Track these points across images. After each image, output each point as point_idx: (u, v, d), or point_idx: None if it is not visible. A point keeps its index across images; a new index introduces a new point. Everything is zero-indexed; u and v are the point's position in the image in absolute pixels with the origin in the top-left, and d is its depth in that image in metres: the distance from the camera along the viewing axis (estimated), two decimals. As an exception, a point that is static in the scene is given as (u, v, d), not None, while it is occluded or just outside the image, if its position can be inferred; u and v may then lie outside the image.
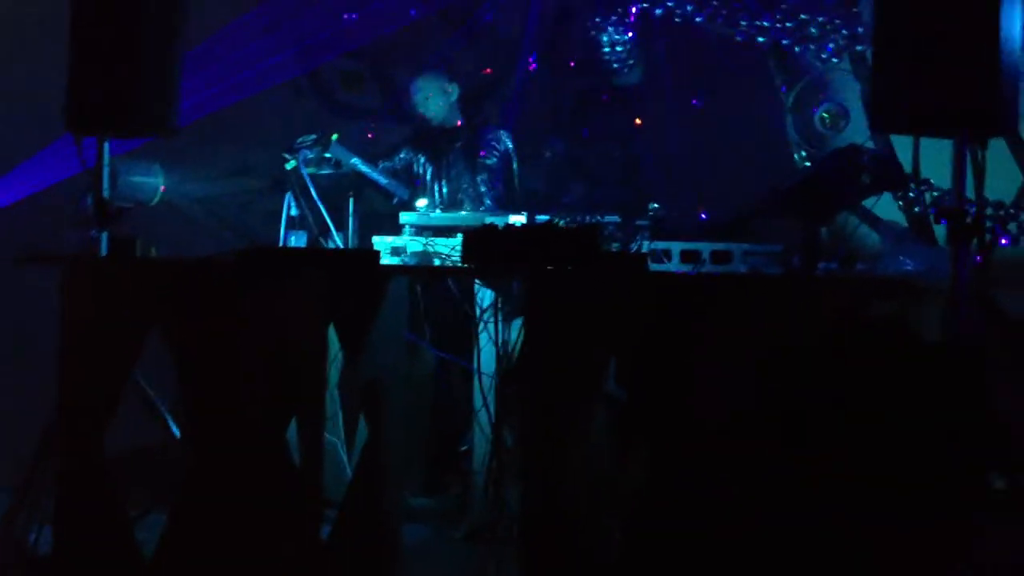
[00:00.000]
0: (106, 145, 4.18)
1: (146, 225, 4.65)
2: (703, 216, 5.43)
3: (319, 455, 3.81)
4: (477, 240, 3.77)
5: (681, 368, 3.49)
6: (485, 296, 4.51)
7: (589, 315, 3.58)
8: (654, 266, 4.38)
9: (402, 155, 5.66)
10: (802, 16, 5.60)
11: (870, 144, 5.10)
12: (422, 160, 5.64)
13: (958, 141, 3.56)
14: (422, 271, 4.40)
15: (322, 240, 5.04)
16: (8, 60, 6.07)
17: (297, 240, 5.11)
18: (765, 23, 5.67)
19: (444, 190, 5.59)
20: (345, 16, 6.15)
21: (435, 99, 5.60)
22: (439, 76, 5.68)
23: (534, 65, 6.39)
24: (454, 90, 5.63)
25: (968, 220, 3.56)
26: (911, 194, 5.35)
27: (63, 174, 5.39)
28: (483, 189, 5.54)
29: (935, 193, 5.37)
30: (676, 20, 5.81)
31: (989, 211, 5.30)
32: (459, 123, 5.65)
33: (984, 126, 3.52)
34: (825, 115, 5.67)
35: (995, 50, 3.39)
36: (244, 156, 6.26)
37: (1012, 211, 5.23)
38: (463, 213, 5.14)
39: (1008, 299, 5.28)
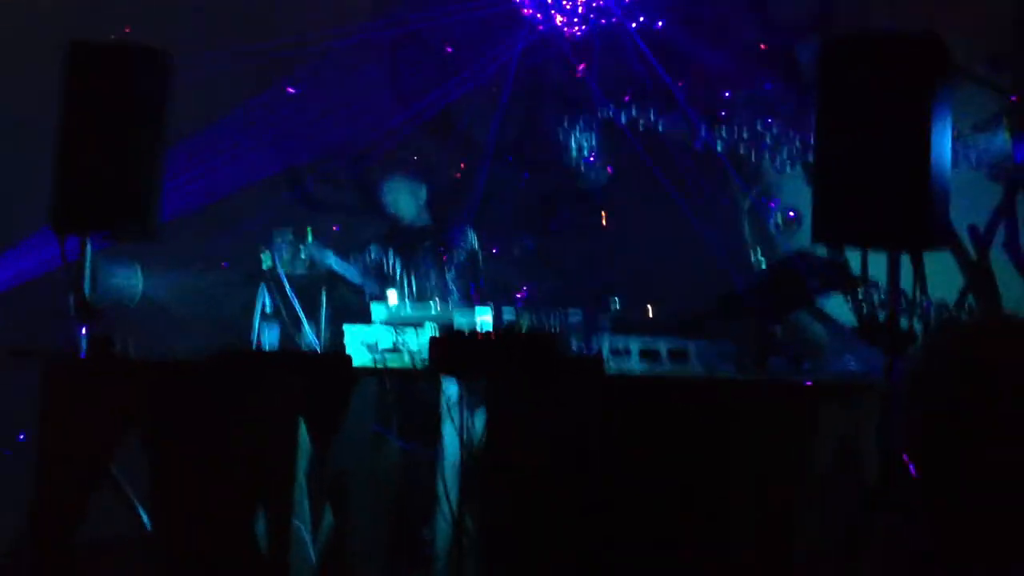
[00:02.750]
0: (88, 244, 4.23)
1: (122, 315, 4.77)
2: (661, 314, 5.64)
3: (286, 543, 3.92)
4: (443, 346, 3.96)
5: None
6: (451, 388, 4.67)
7: (548, 415, 3.76)
8: (615, 360, 4.57)
9: (372, 253, 5.88)
10: (758, 126, 5.91)
11: (821, 249, 5.35)
12: (391, 257, 5.85)
13: (891, 256, 3.79)
14: (393, 375, 4.55)
15: (294, 332, 5.20)
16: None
17: (270, 332, 5.27)
18: (723, 131, 5.98)
19: (414, 285, 5.79)
20: (323, 122, 6.41)
21: (405, 199, 5.84)
22: (408, 178, 5.93)
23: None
24: (422, 191, 5.88)
25: (903, 329, 3.76)
26: (860, 295, 5.58)
27: (45, 268, 5.53)
28: (451, 286, 5.75)
29: (883, 296, 5.60)
30: (640, 127, 6.12)
31: (933, 311, 5.55)
32: (428, 222, 5.89)
33: (916, 242, 3.75)
34: (779, 218, 5.94)
35: (926, 169, 3.64)
36: (220, 250, 6.44)
37: (954, 312, 5.46)
38: (431, 306, 5.32)
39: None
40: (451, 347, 3.93)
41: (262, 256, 5.17)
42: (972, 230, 5.34)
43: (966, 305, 5.43)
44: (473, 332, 4.08)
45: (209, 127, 6.14)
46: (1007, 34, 5.27)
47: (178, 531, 3.90)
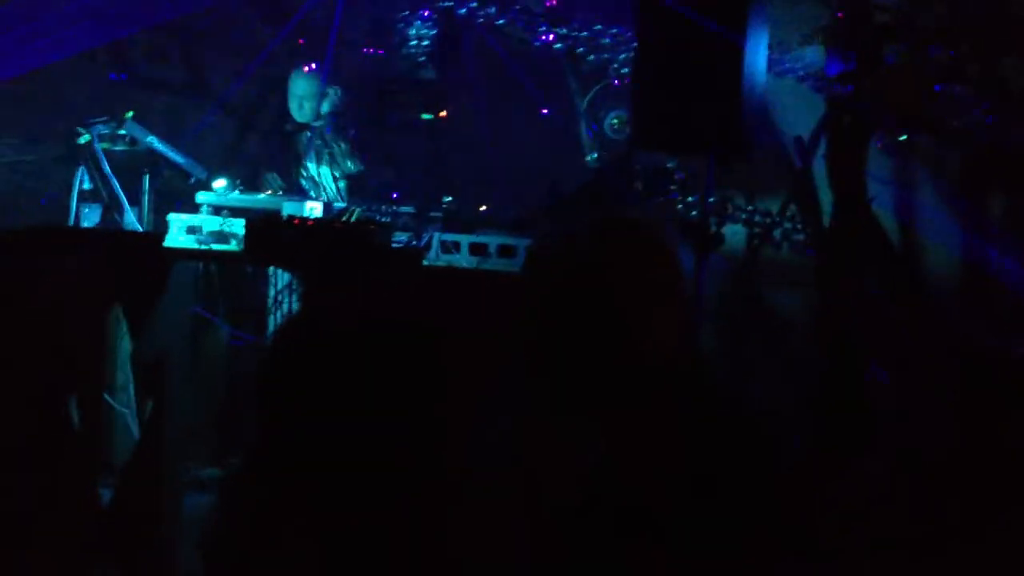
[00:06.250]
0: None
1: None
2: (492, 211, 5.70)
3: (98, 422, 3.86)
4: (258, 233, 3.90)
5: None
6: (280, 275, 4.63)
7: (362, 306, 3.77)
8: (444, 255, 4.61)
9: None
10: (596, 27, 5.94)
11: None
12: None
13: (706, 163, 3.94)
14: (203, 256, 4.46)
15: (115, 215, 5.03)
16: None
17: (91, 213, 5.09)
18: (563, 30, 5.98)
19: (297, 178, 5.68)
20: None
21: (311, 101, 5.67)
22: (319, 77, 5.74)
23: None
24: (335, 93, 5.71)
25: (711, 231, 3.92)
26: (690, 199, 5.75)
27: None
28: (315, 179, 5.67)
29: (711, 200, 5.80)
30: (479, 20, 6.06)
31: (757, 218, 5.78)
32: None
33: (727, 149, 3.90)
34: (615, 121, 6.01)
35: (739, 80, 3.77)
36: (42, 124, 6.14)
37: (777, 219, 5.69)
38: (260, 196, 5.23)
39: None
40: (266, 234, 3.88)
41: (81, 139, 4.95)
42: (797, 141, 5.53)
43: (788, 213, 5.66)
44: (290, 219, 4.03)
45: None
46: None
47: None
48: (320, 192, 5.74)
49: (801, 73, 5.61)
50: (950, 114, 4.99)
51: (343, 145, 5.82)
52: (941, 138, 5.19)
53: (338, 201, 5.44)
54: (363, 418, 1.75)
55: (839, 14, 5.15)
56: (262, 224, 3.93)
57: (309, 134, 5.74)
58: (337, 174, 5.76)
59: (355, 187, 5.93)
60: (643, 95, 3.91)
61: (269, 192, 5.38)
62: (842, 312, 4.74)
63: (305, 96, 5.72)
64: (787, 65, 5.47)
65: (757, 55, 3.83)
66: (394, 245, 4.31)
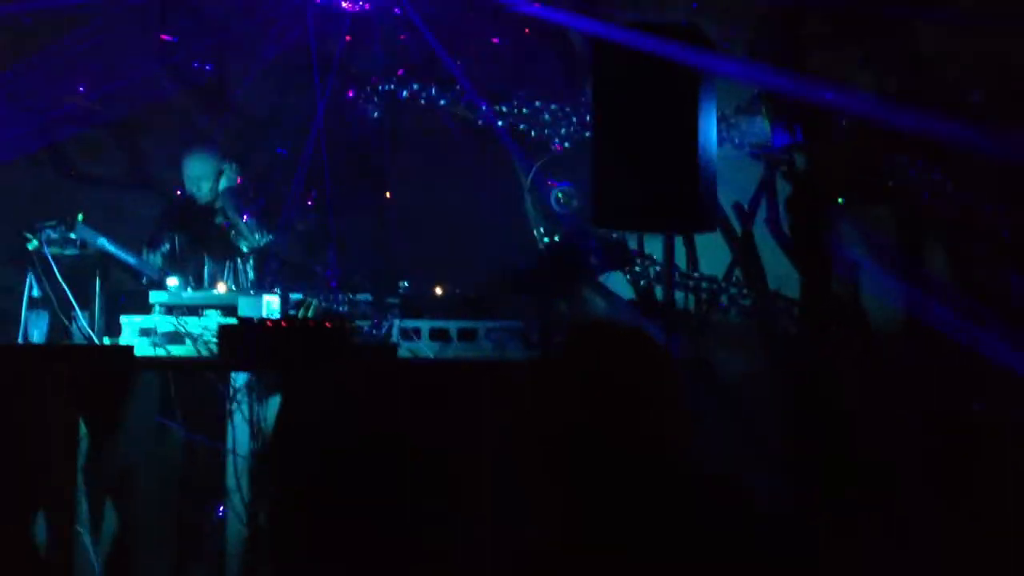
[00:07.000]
0: None
1: None
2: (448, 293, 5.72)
3: (69, 545, 3.77)
4: (233, 337, 3.88)
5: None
6: (239, 378, 4.58)
7: (342, 403, 3.76)
8: (405, 342, 4.61)
9: (165, 245, 5.61)
10: (536, 103, 6.05)
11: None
12: (178, 239, 5.63)
13: (666, 238, 4.02)
14: (180, 365, 4.42)
15: (64, 320, 4.94)
16: None
17: (38, 320, 5.00)
18: (503, 108, 6.08)
19: (206, 269, 5.61)
20: (88, 91, 6.08)
21: (208, 181, 5.63)
22: (212, 156, 5.71)
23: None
24: (228, 170, 5.68)
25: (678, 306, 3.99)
26: (637, 269, 5.84)
27: None
28: (244, 270, 5.61)
29: (657, 268, 5.90)
30: (421, 102, 6.13)
31: (704, 284, 5.89)
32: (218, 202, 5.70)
33: (686, 224, 3.98)
34: (559, 195, 6.09)
35: (694, 157, 3.87)
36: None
37: (723, 285, 5.80)
38: (215, 292, 5.18)
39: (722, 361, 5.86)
40: (242, 338, 3.86)
41: (29, 245, 4.87)
42: (737, 207, 5.67)
43: (733, 278, 5.77)
44: (263, 321, 4.01)
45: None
46: (756, 22, 5.60)
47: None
48: (231, 272, 5.66)
49: (737, 141, 5.77)
50: (893, 178, 5.16)
51: (248, 219, 5.78)
52: (883, 200, 5.36)
53: (249, 279, 5.40)
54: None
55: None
56: (237, 329, 3.91)
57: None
58: (245, 248, 5.72)
59: (299, 274, 5.88)
60: (602, 173, 3.99)
61: (218, 288, 5.34)
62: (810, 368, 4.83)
63: (201, 176, 5.69)
64: (723, 134, 5.62)
65: (708, 128, 3.94)
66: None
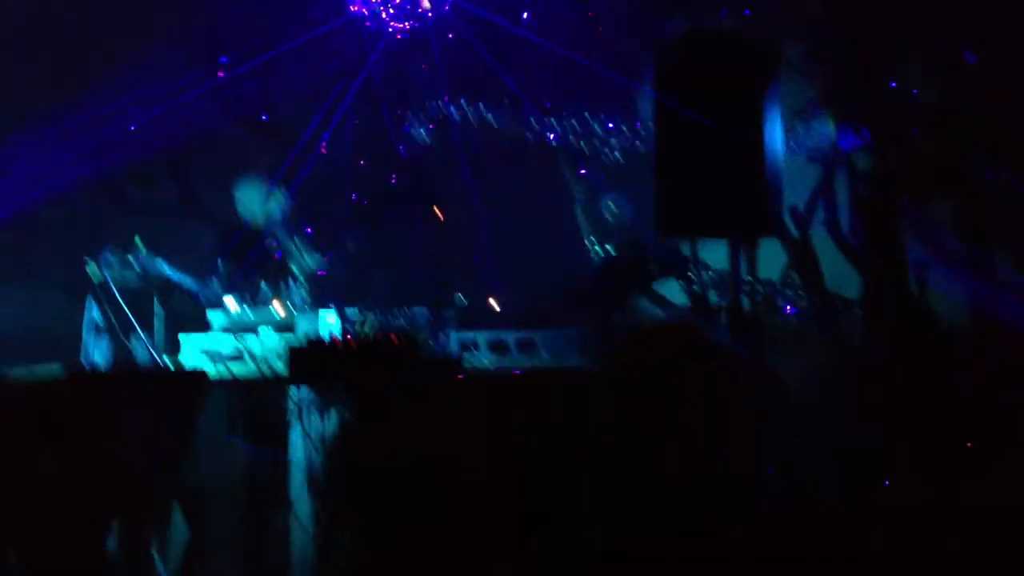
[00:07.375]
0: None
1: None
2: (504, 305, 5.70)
3: (148, 557, 3.78)
4: (304, 357, 3.91)
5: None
6: (300, 392, 4.58)
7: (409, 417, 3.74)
8: (464, 354, 4.59)
9: (220, 269, 5.66)
10: (586, 115, 6.04)
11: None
12: (232, 263, 5.67)
13: (731, 244, 3.97)
14: (256, 386, 4.45)
15: (126, 344, 4.97)
16: None
17: (99, 343, 5.03)
18: (554, 122, 6.07)
19: (261, 289, 5.64)
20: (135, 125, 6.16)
21: (259, 206, 5.68)
22: (262, 181, 5.75)
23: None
24: (278, 195, 5.72)
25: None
26: (691, 276, 5.79)
27: None
28: (296, 289, 5.63)
29: (711, 274, 5.84)
30: (470, 118, 6.15)
31: (759, 288, 5.82)
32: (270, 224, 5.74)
33: (751, 230, 3.94)
34: (612, 205, 6.06)
35: (760, 165, 3.82)
36: (37, 261, 6.11)
37: (779, 287, 5.72)
38: (272, 311, 5.20)
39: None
40: (313, 357, 3.89)
41: (88, 268, 4.92)
42: (793, 211, 5.60)
43: (789, 282, 5.69)
44: (333, 341, 4.05)
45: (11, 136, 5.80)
46: (816, 25, 5.55)
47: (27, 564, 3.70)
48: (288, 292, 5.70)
49: (792, 145, 5.71)
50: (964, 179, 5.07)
51: (298, 241, 5.82)
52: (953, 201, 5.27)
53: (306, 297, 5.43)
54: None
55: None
56: (308, 349, 3.95)
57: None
58: (296, 270, 5.75)
59: (357, 292, 5.90)
60: (665, 184, 3.96)
61: (275, 306, 5.36)
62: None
63: (252, 201, 5.73)
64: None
65: (773, 133, 3.90)
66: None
